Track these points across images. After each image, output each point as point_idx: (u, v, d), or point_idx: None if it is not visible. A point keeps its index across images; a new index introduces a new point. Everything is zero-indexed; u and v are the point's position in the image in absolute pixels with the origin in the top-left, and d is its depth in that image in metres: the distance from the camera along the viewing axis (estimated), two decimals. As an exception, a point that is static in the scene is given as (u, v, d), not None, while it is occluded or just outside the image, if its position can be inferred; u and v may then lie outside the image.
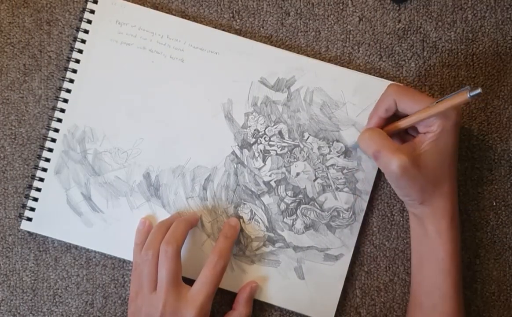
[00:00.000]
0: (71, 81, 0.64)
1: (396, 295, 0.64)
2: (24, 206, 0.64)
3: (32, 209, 0.64)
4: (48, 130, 0.64)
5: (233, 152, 0.64)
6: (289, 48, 0.65)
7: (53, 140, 0.64)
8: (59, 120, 0.64)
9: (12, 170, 0.65)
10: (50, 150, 0.64)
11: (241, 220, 0.63)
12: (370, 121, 0.60)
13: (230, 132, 0.64)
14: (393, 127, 0.59)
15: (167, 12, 0.65)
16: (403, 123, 0.58)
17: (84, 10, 0.64)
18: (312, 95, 0.63)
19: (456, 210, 0.58)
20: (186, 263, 0.61)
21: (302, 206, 0.63)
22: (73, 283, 0.65)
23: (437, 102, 0.55)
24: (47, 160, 0.64)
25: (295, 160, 0.63)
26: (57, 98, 0.64)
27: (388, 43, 0.65)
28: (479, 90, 0.51)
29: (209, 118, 0.64)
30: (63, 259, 0.65)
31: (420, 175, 0.56)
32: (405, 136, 0.61)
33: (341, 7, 0.65)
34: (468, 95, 0.52)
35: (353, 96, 0.63)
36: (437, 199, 0.57)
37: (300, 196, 0.63)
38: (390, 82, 0.63)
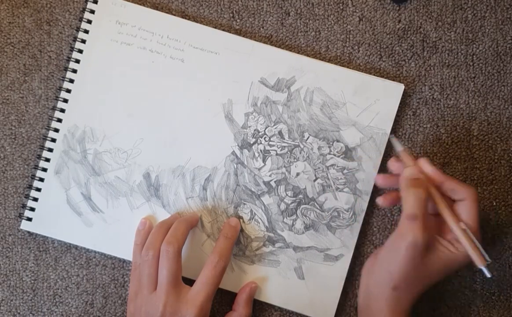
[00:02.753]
0: (71, 81, 0.64)
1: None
2: (24, 206, 0.64)
3: (32, 209, 0.64)
4: (48, 130, 0.64)
5: (233, 153, 0.64)
6: (289, 48, 0.65)
7: (53, 140, 0.64)
8: (59, 120, 0.64)
9: (12, 170, 0.65)
10: (50, 150, 0.64)
11: (241, 220, 0.63)
12: (435, 176, 0.57)
13: (230, 132, 0.64)
14: (439, 201, 0.57)
15: (167, 12, 0.65)
16: (444, 212, 0.57)
17: (84, 10, 0.64)
18: (312, 95, 0.63)
19: None
20: (186, 263, 0.61)
21: (302, 206, 0.63)
22: (73, 283, 0.65)
23: (470, 234, 0.56)
24: (47, 160, 0.64)
25: (295, 160, 0.63)
26: (57, 98, 0.64)
27: (388, 43, 0.65)
28: (489, 275, 0.55)
29: (209, 118, 0.64)
30: (63, 259, 0.65)
31: (419, 263, 0.55)
32: None
33: (341, 7, 0.65)
34: (482, 267, 0.55)
35: (353, 96, 0.63)
36: (404, 298, 0.56)
37: (300, 196, 0.63)
38: (390, 82, 0.63)
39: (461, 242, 0.56)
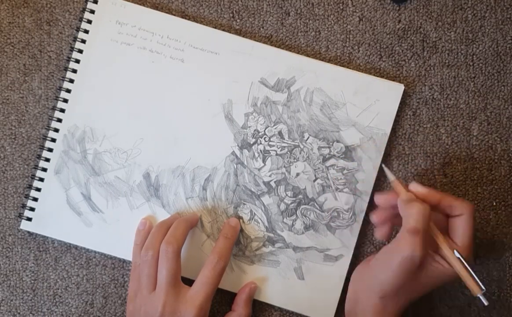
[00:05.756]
0: (71, 81, 0.64)
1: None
2: (24, 206, 0.64)
3: (32, 209, 0.64)
4: (48, 130, 0.64)
5: (233, 153, 0.64)
6: (289, 48, 0.65)
7: (53, 140, 0.64)
8: (59, 120, 0.64)
9: (12, 170, 0.65)
10: (50, 150, 0.64)
11: (241, 220, 0.63)
12: (430, 196, 0.56)
13: (230, 132, 0.64)
14: (434, 229, 0.56)
15: (167, 12, 0.65)
16: (439, 240, 0.56)
17: (84, 10, 0.64)
18: (312, 96, 0.63)
19: None
20: (185, 263, 0.61)
21: (302, 206, 0.63)
22: (73, 283, 0.65)
23: (465, 263, 0.55)
24: (47, 160, 0.64)
25: (295, 160, 0.63)
26: (57, 98, 0.64)
27: (388, 43, 0.65)
28: (486, 303, 0.54)
29: (209, 118, 0.64)
30: (63, 259, 0.65)
31: (411, 277, 0.55)
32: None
33: (341, 7, 0.65)
34: (478, 295, 0.54)
35: (353, 96, 0.63)
36: (390, 307, 0.56)
37: (300, 196, 0.63)
38: (390, 82, 0.63)
39: (456, 270, 0.55)
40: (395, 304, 0.56)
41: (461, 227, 0.56)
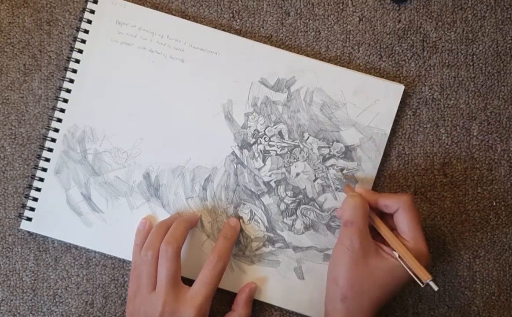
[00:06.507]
0: (71, 81, 0.64)
1: (396, 295, 0.64)
2: (24, 206, 0.64)
3: (32, 209, 0.64)
4: (48, 130, 0.64)
5: (233, 153, 0.64)
6: (289, 48, 0.65)
7: (53, 140, 0.64)
8: (59, 120, 0.64)
9: (12, 170, 0.65)
10: (50, 150, 0.64)
11: (240, 220, 0.63)
12: (368, 196, 0.59)
13: (230, 132, 0.64)
14: (376, 220, 0.58)
15: (167, 12, 0.65)
16: (382, 231, 0.58)
17: (84, 10, 0.64)
18: (312, 96, 0.63)
19: None
20: (185, 263, 0.61)
21: (302, 206, 0.63)
22: (73, 283, 0.65)
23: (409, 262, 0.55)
24: (47, 160, 0.64)
25: (295, 160, 0.63)
26: (57, 98, 0.64)
27: (388, 43, 0.65)
28: (436, 288, 0.54)
29: (209, 118, 0.64)
30: (63, 259, 0.65)
31: (361, 268, 0.55)
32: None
33: (341, 7, 0.65)
34: (423, 283, 0.54)
35: (353, 96, 0.63)
36: (355, 309, 0.55)
37: (300, 196, 0.63)
38: (390, 82, 0.63)
39: (400, 261, 0.55)
40: (358, 305, 0.55)
41: (401, 221, 0.57)
